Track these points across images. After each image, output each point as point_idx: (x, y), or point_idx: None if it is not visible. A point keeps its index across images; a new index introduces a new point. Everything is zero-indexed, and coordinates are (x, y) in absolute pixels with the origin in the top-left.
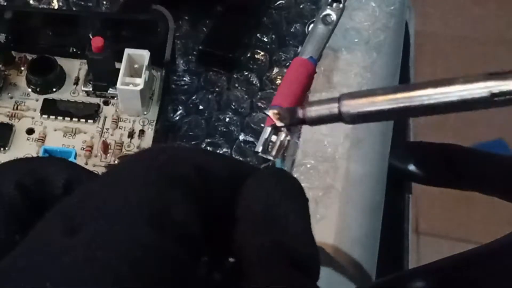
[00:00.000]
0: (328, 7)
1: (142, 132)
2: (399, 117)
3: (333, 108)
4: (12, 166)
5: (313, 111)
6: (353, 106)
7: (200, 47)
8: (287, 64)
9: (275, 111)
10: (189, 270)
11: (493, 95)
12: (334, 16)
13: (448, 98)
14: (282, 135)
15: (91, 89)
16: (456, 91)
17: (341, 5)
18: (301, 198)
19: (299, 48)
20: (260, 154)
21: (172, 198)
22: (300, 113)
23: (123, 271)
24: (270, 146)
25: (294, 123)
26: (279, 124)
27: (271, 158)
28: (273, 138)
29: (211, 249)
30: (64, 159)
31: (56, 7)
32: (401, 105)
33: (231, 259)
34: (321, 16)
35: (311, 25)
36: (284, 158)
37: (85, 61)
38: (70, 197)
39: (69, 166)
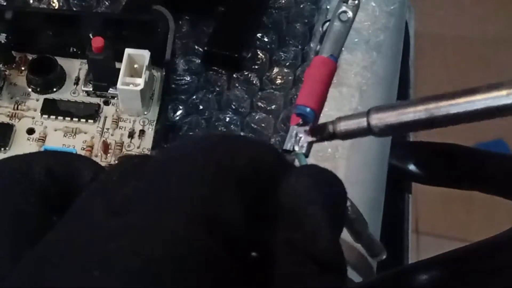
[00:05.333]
0: (344, 4)
1: (142, 132)
2: (427, 128)
3: (362, 122)
4: (43, 155)
5: (343, 126)
6: (381, 119)
7: (206, 48)
8: (287, 64)
9: (307, 128)
10: (231, 270)
11: None
12: (350, 13)
13: (475, 107)
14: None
15: (91, 89)
16: (482, 99)
17: (356, 1)
18: (333, 194)
19: (299, 47)
20: (291, 151)
21: (225, 198)
22: (330, 128)
23: (165, 267)
24: (297, 144)
25: (325, 138)
26: (310, 139)
27: (302, 156)
28: (300, 135)
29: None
30: (90, 158)
31: (56, 7)
32: (429, 115)
33: (254, 254)
34: (337, 13)
35: (326, 24)
36: (308, 154)
37: (86, 61)
38: (106, 175)
39: (96, 165)
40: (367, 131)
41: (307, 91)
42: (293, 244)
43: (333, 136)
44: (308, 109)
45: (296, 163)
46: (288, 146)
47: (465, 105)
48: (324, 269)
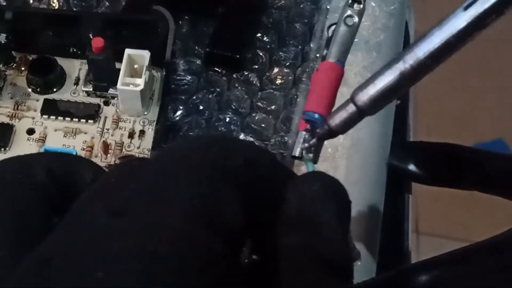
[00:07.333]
0: (349, 8)
1: (142, 132)
2: (409, 83)
3: (351, 107)
4: (44, 156)
5: (337, 119)
6: (365, 95)
7: (207, 49)
8: (287, 64)
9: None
10: (232, 269)
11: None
12: (356, 18)
13: (439, 45)
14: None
15: (91, 89)
16: (442, 35)
17: (361, 6)
18: (342, 203)
19: (299, 47)
20: (300, 158)
21: (224, 196)
22: (326, 126)
23: (167, 266)
24: (305, 150)
25: (326, 137)
26: (313, 141)
27: (309, 161)
28: (308, 142)
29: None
30: (90, 159)
31: (56, 7)
32: (402, 69)
33: (254, 257)
34: (343, 18)
35: (331, 28)
36: (317, 160)
37: (86, 61)
38: (105, 177)
39: (96, 166)
40: (359, 113)
41: (315, 97)
42: (305, 248)
43: (333, 132)
44: (316, 115)
45: (303, 169)
46: (297, 152)
47: (427, 43)
48: (334, 273)
